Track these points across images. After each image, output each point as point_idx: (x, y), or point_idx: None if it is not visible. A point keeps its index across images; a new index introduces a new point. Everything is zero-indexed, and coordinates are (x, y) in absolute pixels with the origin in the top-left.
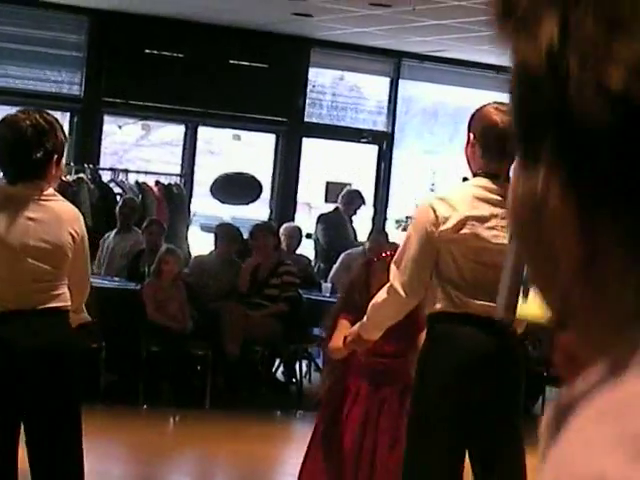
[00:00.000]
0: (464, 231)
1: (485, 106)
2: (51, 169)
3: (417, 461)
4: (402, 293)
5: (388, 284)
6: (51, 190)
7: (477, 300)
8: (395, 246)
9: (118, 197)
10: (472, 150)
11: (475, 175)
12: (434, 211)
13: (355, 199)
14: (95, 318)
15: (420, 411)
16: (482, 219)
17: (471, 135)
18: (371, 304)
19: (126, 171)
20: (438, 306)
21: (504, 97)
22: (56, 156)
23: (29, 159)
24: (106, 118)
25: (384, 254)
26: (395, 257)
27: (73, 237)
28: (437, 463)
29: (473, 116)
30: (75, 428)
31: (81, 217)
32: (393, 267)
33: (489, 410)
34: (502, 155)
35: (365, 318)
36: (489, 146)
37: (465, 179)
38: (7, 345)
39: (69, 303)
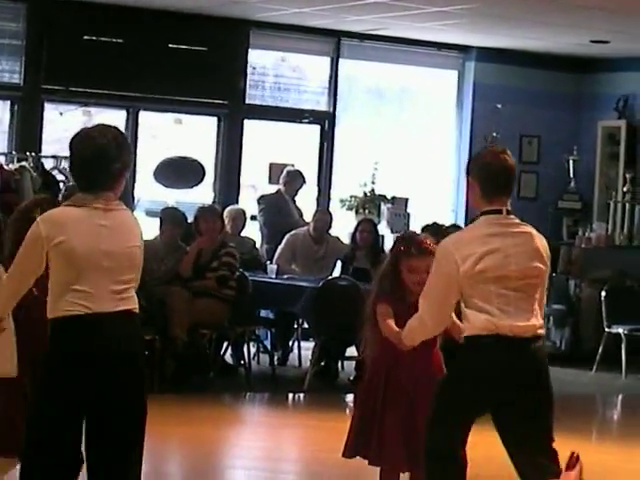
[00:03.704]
0: (482, 265)
1: (480, 152)
2: None
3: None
4: (429, 324)
5: (419, 314)
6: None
7: (506, 322)
8: (425, 236)
9: (61, 184)
10: (473, 192)
11: (482, 214)
12: (453, 254)
13: (296, 179)
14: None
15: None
16: (495, 251)
17: (470, 179)
18: (407, 325)
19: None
20: (471, 331)
21: (446, 74)
22: None
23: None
24: (47, 105)
25: (420, 243)
26: (423, 292)
27: None
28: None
29: (469, 162)
30: None
31: None
32: (421, 300)
33: (517, 410)
34: (501, 192)
35: (404, 332)
36: (487, 187)
37: (472, 220)
38: None
39: None
